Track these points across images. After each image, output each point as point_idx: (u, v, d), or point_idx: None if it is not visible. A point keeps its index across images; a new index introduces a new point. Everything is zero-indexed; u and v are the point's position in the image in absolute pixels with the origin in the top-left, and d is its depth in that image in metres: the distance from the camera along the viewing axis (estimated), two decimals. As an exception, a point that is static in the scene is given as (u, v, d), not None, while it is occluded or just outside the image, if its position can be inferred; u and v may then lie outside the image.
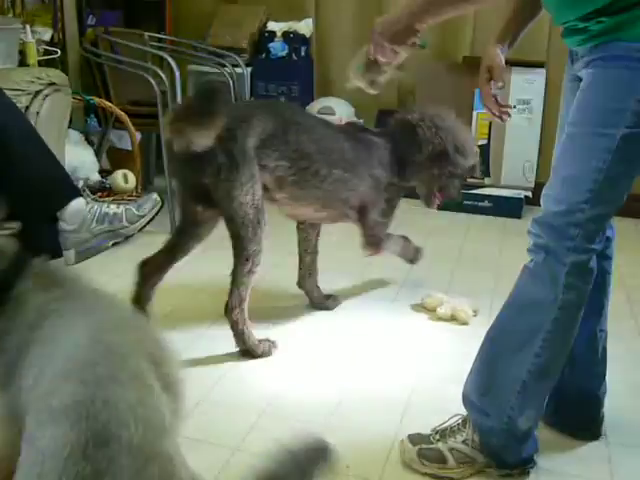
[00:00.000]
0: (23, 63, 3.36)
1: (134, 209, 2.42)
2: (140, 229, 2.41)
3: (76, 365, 1.00)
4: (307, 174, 2.23)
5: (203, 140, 1.92)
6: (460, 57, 4.15)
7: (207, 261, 2.69)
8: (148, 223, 2.41)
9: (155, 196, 2.45)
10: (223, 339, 2.28)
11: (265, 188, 2.16)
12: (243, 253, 2.13)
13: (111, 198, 3.24)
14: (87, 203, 2.37)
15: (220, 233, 2.22)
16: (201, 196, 2.13)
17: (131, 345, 1.07)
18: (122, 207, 2.42)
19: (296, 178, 2.22)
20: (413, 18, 1.71)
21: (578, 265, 1.54)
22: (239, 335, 2.20)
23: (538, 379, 1.62)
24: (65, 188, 2.40)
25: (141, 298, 2.20)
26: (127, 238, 2.46)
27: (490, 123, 4.09)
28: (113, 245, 3.03)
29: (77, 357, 1.01)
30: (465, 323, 2.52)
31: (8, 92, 2.54)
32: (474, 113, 4.13)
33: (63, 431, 0.93)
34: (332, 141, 2.32)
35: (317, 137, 2.28)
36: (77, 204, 2.34)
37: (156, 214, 2.45)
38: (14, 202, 2.20)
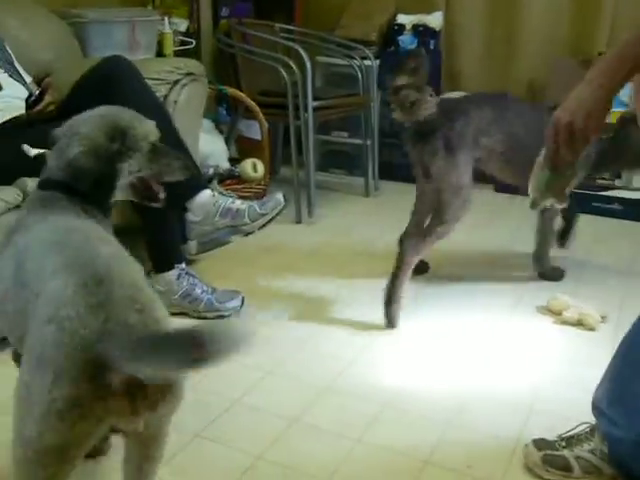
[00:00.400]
0: (160, 53, 3.49)
1: (257, 207, 2.45)
2: (261, 227, 2.43)
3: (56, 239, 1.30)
4: (516, 154, 2.50)
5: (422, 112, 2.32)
6: (595, 53, 4.02)
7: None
8: (269, 222, 2.43)
9: (279, 196, 2.46)
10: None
11: (477, 160, 2.52)
12: (443, 217, 2.45)
13: (241, 186, 3.32)
14: (213, 196, 2.43)
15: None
16: (424, 171, 2.49)
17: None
18: (246, 204, 2.45)
19: (506, 157, 2.54)
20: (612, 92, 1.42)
21: None
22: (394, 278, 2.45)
23: None
24: (195, 180, 2.47)
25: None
26: (247, 234, 2.48)
27: (623, 122, 3.95)
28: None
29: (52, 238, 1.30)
30: (592, 329, 2.45)
31: (149, 81, 2.64)
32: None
33: (64, 279, 1.15)
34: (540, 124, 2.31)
35: (526, 121, 2.53)
36: (205, 196, 2.40)
37: (278, 214, 2.46)
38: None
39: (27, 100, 2.49)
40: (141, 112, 2.29)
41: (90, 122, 1.49)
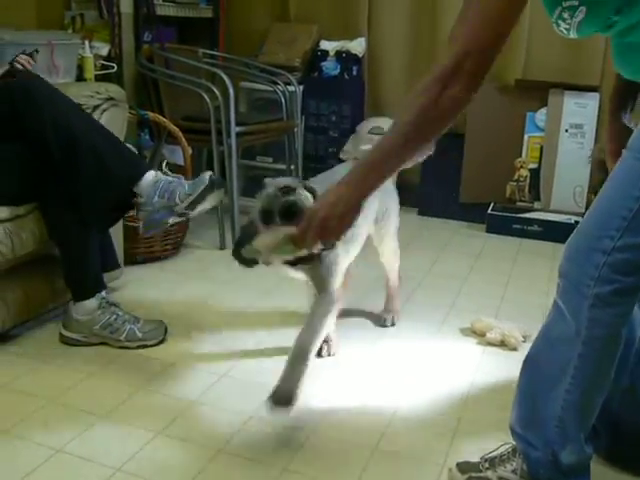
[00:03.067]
0: (80, 77, 3.42)
1: (186, 187, 2.45)
2: (188, 208, 2.39)
3: None
4: None
5: None
6: (512, 80, 4.12)
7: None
8: (198, 204, 2.40)
9: (205, 175, 2.45)
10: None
11: None
12: None
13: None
14: (156, 176, 2.41)
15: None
16: None
17: None
18: (180, 184, 2.45)
19: None
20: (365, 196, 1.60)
21: (602, 297, 1.44)
22: None
23: (574, 414, 1.57)
24: (138, 164, 2.48)
25: None
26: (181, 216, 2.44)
27: (541, 147, 4.06)
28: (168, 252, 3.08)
29: None
30: (515, 349, 2.49)
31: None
32: (525, 137, 4.11)
33: None
34: None
35: None
36: (148, 177, 2.40)
37: (203, 194, 2.44)
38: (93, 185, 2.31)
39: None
40: (61, 115, 2.30)
41: None
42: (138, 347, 2.41)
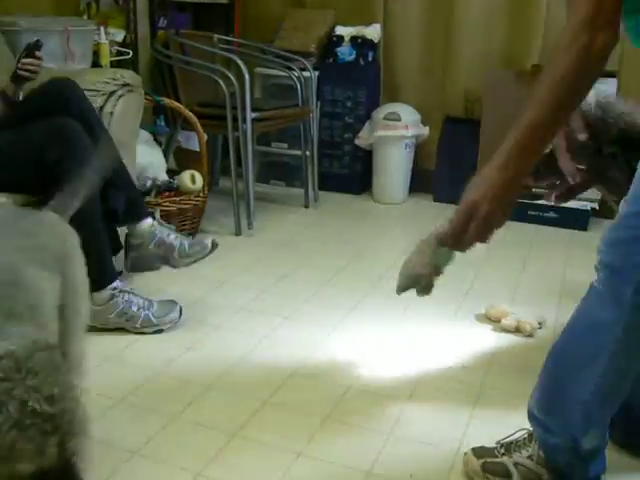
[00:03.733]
0: (96, 64, 3.43)
1: (186, 246, 2.53)
2: (186, 265, 2.51)
3: None
4: None
5: None
6: (529, 65, 4.10)
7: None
8: (194, 262, 2.51)
9: (207, 242, 2.55)
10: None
11: None
12: None
13: (179, 197, 3.29)
14: (152, 226, 2.49)
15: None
16: None
17: None
18: (178, 240, 2.53)
19: None
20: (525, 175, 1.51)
21: None
22: None
23: (601, 401, 1.57)
24: (139, 207, 2.56)
25: None
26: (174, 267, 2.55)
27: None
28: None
29: None
30: (530, 335, 2.49)
31: (85, 92, 2.60)
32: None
33: None
34: None
35: None
36: (145, 224, 2.49)
37: (202, 257, 2.54)
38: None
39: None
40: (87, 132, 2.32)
41: None
42: (155, 332, 2.42)
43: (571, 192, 2.03)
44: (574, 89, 1.38)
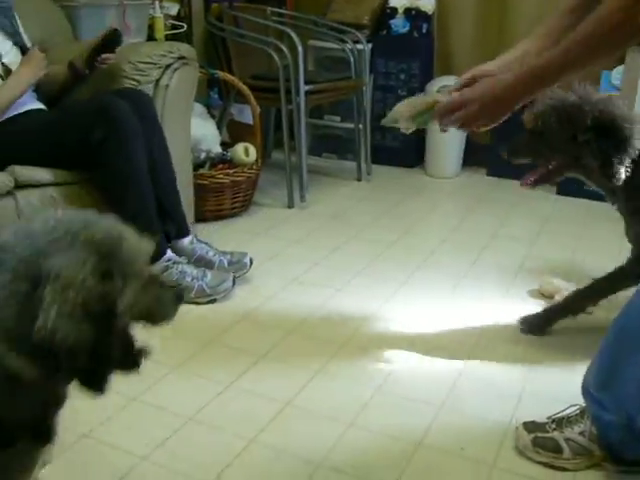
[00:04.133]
0: (151, 37, 3.47)
1: (225, 263, 2.57)
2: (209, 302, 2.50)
3: None
4: None
5: None
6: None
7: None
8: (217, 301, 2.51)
9: (246, 260, 2.59)
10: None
11: None
12: None
13: (233, 170, 3.31)
14: (192, 242, 2.59)
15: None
16: None
17: None
18: (217, 257, 2.59)
19: None
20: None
21: None
22: None
23: None
24: (181, 224, 2.63)
25: None
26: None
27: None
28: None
29: None
30: (585, 312, 2.46)
31: (141, 65, 2.63)
32: (599, 95, 3.99)
33: None
34: None
35: None
36: (187, 240, 2.59)
37: (241, 275, 2.60)
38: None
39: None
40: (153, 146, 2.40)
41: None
42: (208, 302, 2.46)
43: (547, 177, 2.13)
44: (594, 51, 1.43)
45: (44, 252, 0.91)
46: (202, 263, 2.57)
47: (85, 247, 0.93)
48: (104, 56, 2.50)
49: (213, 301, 2.47)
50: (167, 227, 2.55)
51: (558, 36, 1.69)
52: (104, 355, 0.94)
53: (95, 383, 0.95)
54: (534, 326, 2.33)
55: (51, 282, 0.88)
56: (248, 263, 2.63)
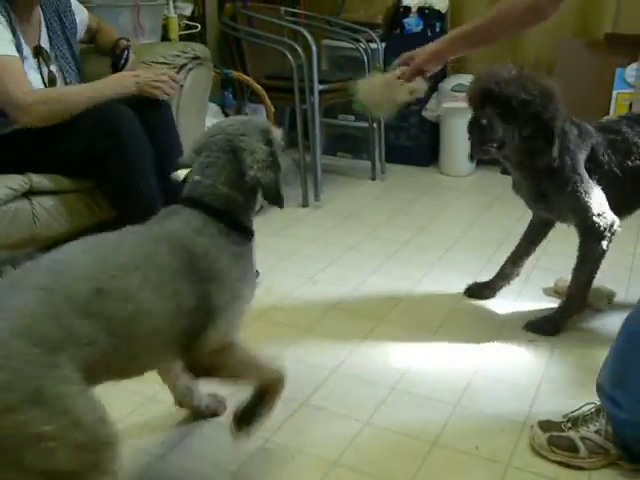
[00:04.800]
0: (165, 38, 3.48)
1: None
2: None
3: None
4: None
5: None
6: (601, 34, 3.99)
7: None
8: None
9: None
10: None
11: None
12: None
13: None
14: None
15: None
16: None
17: None
18: None
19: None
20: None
21: None
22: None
23: None
24: None
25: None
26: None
27: (630, 104, 3.93)
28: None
29: None
30: (599, 309, 2.46)
31: (155, 65, 2.64)
32: (614, 93, 3.98)
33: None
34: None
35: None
36: None
37: None
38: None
39: (114, 63, 2.56)
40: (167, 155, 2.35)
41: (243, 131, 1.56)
42: None
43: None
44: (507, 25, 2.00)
45: (239, 134, 1.54)
46: None
47: (258, 130, 1.57)
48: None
49: None
50: None
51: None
52: (279, 188, 1.56)
53: (278, 201, 1.56)
54: (544, 329, 2.33)
55: (248, 151, 1.52)
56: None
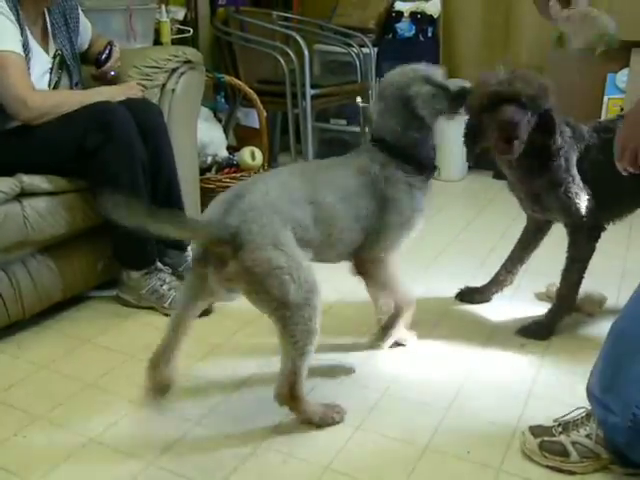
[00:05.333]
0: (157, 42, 3.48)
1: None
2: None
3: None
4: None
5: None
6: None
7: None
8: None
9: None
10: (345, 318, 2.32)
11: None
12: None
13: (239, 174, 3.32)
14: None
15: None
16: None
17: None
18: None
19: None
20: None
21: None
22: None
23: None
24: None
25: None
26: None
27: (621, 109, 3.95)
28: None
29: None
30: (591, 314, 2.46)
31: (146, 69, 2.64)
32: (605, 98, 3.99)
33: None
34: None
35: None
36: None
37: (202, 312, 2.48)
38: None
39: (97, 60, 2.59)
40: (158, 160, 2.44)
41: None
42: None
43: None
44: None
45: (406, 84, 1.90)
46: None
47: (420, 77, 1.91)
48: (100, 71, 2.58)
49: None
50: (166, 239, 2.51)
51: None
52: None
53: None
54: (536, 334, 2.34)
55: (415, 97, 1.89)
56: None
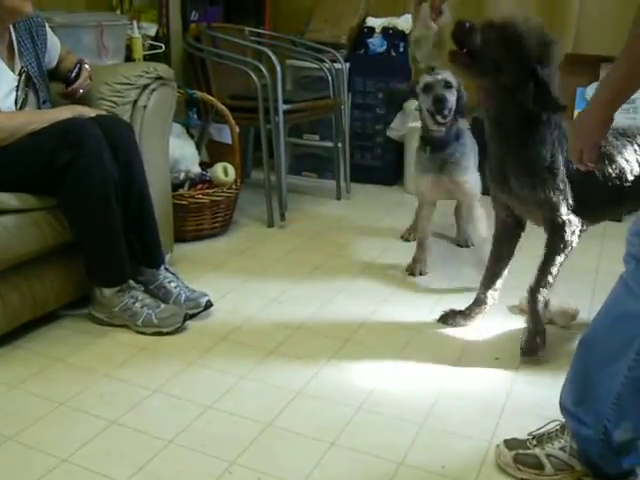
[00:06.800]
0: (129, 58, 3.47)
1: (182, 298, 2.50)
2: (155, 333, 2.40)
3: None
4: None
5: None
6: (562, 54, 4.04)
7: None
8: (164, 334, 2.40)
9: (202, 301, 2.49)
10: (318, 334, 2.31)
11: None
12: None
13: (212, 190, 3.31)
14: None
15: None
16: None
17: None
18: (178, 289, 2.50)
19: None
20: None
21: None
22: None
23: (633, 393, 1.55)
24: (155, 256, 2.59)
25: None
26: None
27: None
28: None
29: None
30: (564, 327, 2.48)
31: (117, 86, 2.63)
32: (575, 112, 4.04)
33: None
34: None
35: None
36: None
37: (193, 316, 2.48)
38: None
39: (66, 77, 2.56)
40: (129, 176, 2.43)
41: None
42: (154, 334, 2.39)
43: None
44: None
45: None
46: (161, 292, 2.51)
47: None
48: (70, 89, 2.56)
49: (159, 333, 2.39)
50: (139, 256, 2.53)
51: None
52: None
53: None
54: (532, 350, 2.30)
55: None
56: (203, 304, 2.50)
